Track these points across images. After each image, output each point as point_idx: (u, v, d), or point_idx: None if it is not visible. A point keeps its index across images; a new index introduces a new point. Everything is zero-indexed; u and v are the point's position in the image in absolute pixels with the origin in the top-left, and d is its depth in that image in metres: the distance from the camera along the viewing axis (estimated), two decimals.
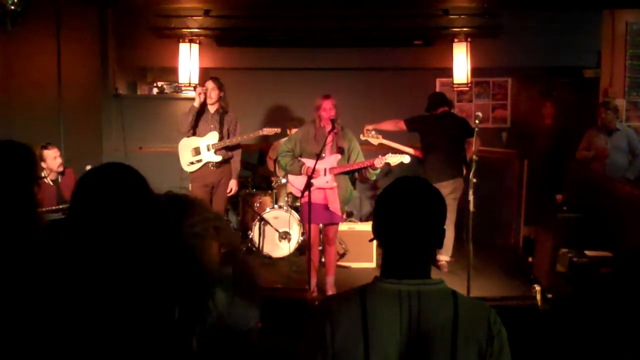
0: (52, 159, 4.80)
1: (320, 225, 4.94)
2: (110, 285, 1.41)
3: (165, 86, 7.09)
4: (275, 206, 5.95)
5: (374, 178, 4.76)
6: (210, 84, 5.27)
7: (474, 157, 4.42)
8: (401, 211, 1.44)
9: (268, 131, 5.35)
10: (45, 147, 4.79)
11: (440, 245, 1.49)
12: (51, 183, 4.88)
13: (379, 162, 4.49)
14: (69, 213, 1.48)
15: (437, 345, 1.37)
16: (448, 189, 5.25)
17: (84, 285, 1.41)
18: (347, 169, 4.62)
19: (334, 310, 1.43)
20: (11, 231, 1.87)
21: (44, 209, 3.80)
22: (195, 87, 6.48)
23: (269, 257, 5.86)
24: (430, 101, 5.68)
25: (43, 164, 4.77)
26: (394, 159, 4.57)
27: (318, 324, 1.43)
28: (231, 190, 5.47)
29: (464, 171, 5.53)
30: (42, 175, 4.78)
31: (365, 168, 4.58)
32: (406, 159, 4.61)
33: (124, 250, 1.42)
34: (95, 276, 1.41)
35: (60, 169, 4.86)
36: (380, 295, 1.42)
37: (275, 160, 6.49)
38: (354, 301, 1.42)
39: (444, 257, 5.58)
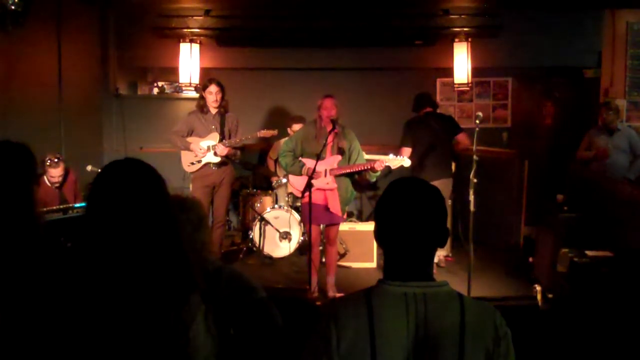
0: (50, 177, 4.85)
1: (321, 225, 4.94)
2: (116, 285, 1.41)
3: (165, 86, 7.10)
4: (276, 206, 5.95)
5: (373, 180, 4.76)
6: (214, 88, 5.20)
7: (474, 157, 4.41)
8: (403, 213, 1.43)
9: (265, 133, 5.33)
10: (50, 165, 4.82)
11: (443, 244, 1.48)
12: (53, 186, 4.90)
13: (379, 165, 4.49)
14: (86, 207, 1.50)
15: (445, 348, 1.36)
16: None
17: (89, 285, 1.41)
18: (347, 170, 4.62)
19: (339, 313, 1.41)
20: (11, 231, 1.87)
21: (44, 209, 3.80)
22: (196, 88, 6.50)
23: (270, 257, 5.86)
24: (415, 102, 5.67)
25: (44, 175, 4.81)
26: (394, 162, 4.57)
27: (323, 327, 1.41)
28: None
29: (453, 169, 5.54)
30: (44, 179, 4.81)
31: (365, 170, 4.58)
32: (406, 163, 4.61)
33: (136, 248, 1.42)
34: (102, 275, 1.41)
35: (58, 182, 4.89)
36: (386, 298, 1.41)
37: (276, 160, 6.50)
38: (359, 304, 1.41)
39: (442, 253, 5.61)
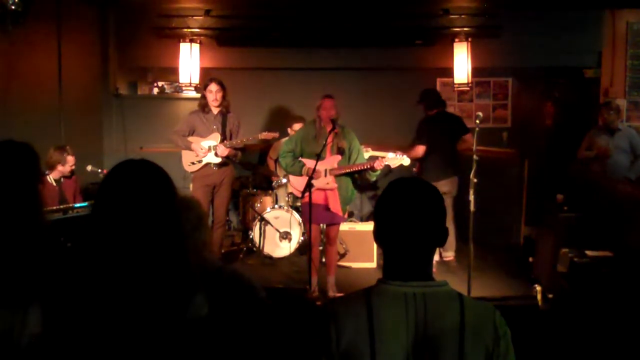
0: (69, 166, 4.90)
1: (322, 225, 4.94)
2: (121, 285, 1.41)
3: (165, 86, 7.10)
4: (276, 206, 5.95)
5: (373, 179, 4.76)
6: (214, 87, 5.20)
7: (474, 157, 4.41)
8: (402, 213, 1.43)
9: (266, 135, 5.33)
10: (68, 153, 4.87)
11: (443, 243, 1.48)
12: (54, 183, 4.91)
13: (379, 164, 4.50)
14: (94, 205, 1.49)
15: (445, 348, 1.36)
16: (445, 188, 5.31)
17: (93, 285, 1.41)
18: (347, 170, 4.62)
19: (339, 313, 1.41)
20: (17, 231, 1.86)
21: (46, 209, 3.80)
22: (196, 88, 6.50)
23: (270, 257, 5.86)
24: (425, 99, 5.68)
25: (59, 167, 4.84)
26: (394, 162, 4.57)
27: (323, 327, 1.41)
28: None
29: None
30: (46, 175, 4.83)
31: (365, 169, 4.59)
32: (406, 161, 4.62)
33: (143, 248, 1.42)
34: (106, 275, 1.41)
35: (71, 171, 4.95)
36: (385, 298, 1.41)
37: (276, 160, 6.50)
38: (359, 304, 1.41)
39: (449, 254, 5.62)
